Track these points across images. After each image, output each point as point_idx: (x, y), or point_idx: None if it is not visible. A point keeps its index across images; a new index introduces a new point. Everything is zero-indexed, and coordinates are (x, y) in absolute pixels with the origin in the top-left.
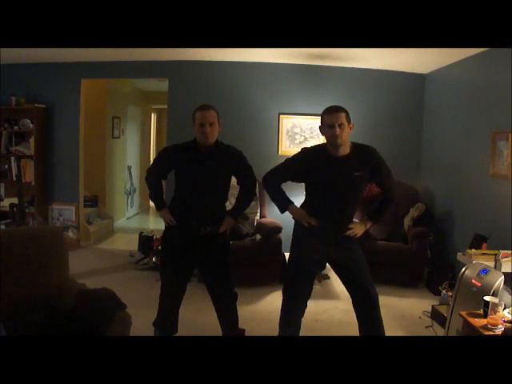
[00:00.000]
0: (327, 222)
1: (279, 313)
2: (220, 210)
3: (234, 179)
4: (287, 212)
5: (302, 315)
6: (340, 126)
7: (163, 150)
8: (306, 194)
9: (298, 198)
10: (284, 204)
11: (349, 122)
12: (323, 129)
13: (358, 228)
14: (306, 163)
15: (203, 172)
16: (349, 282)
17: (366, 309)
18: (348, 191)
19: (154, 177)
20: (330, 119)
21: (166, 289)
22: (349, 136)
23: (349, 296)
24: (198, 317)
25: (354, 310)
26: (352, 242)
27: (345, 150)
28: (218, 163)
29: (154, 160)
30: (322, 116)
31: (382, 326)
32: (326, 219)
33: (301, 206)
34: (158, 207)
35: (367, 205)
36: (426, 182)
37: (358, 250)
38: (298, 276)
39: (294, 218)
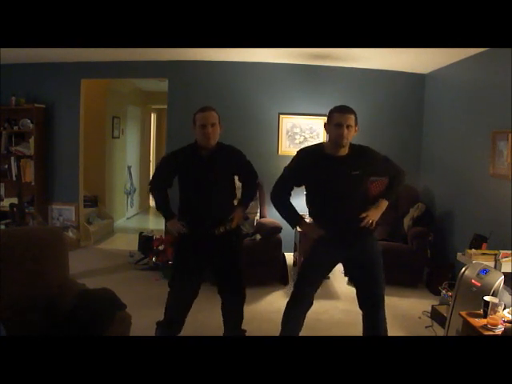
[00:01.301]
0: (334, 230)
1: (280, 313)
2: (229, 208)
3: None
4: None
5: (307, 309)
6: (348, 127)
7: (163, 159)
8: (306, 197)
9: (298, 198)
10: (294, 220)
11: (356, 124)
12: (329, 126)
13: (372, 213)
14: (305, 165)
15: (206, 175)
16: (357, 281)
17: (371, 310)
18: (349, 191)
19: (158, 187)
20: (340, 118)
21: (179, 295)
22: None
23: (349, 296)
24: (199, 316)
25: (360, 309)
26: (367, 242)
27: (344, 150)
28: (220, 164)
29: (156, 170)
30: (332, 113)
31: (386, 329)
32: (333, 224)
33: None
34: (167, 218)
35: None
36: (426, 181)
37: (373, 252)
38: (308, 274)
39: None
